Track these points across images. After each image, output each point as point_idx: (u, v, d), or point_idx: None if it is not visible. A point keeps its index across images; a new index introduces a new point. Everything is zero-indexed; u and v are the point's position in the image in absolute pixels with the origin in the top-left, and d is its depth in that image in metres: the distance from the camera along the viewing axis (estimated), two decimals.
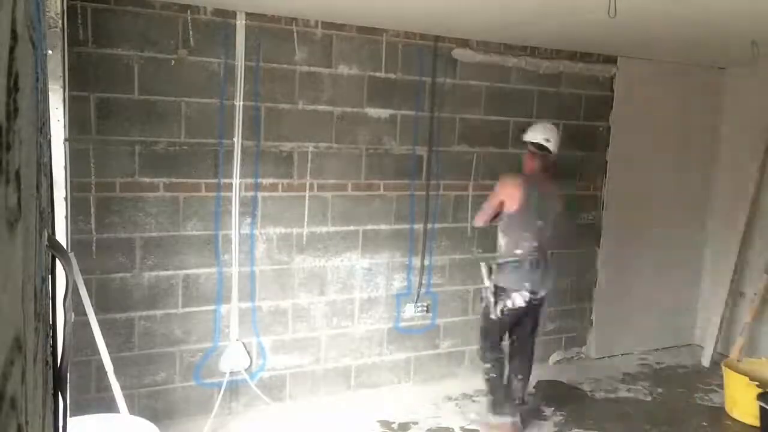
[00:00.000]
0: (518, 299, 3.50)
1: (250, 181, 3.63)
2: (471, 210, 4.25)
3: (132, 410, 3.15)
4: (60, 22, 2.64)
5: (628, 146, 4.75)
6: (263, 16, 3.53)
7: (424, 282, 4.20)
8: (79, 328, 2.97)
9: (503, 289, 3.51)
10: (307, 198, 3.78)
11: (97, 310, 3.02)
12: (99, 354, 2.95)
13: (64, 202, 2.77)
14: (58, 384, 0.88)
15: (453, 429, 3.70)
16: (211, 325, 3.63)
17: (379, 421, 3.75)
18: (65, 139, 2.82)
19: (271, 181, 3.69)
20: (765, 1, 2.76)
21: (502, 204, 3.55)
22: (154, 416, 3.24)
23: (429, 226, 4.17)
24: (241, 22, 3.48)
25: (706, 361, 4.85)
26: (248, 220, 3.66)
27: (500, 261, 3.57)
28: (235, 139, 3.55)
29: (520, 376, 3.69)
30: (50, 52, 2.54)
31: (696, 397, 4.30)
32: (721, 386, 4.25)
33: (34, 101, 0.69)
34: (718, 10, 2.99)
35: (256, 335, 3.76)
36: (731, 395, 4.04)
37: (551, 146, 3.58)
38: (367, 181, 3.95)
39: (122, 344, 3.42)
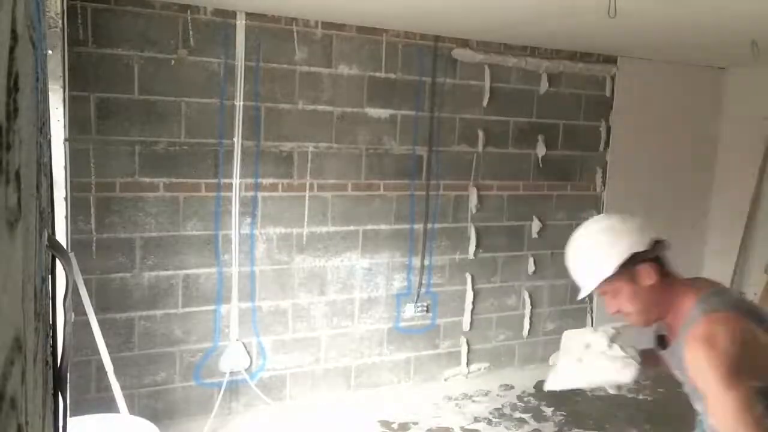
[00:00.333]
0: None
1: (250, 181, 3.63)
2: (471, 210, 4.26)
3: (132, 410, 3.15)
4: (60, 22, 2.64)
5: (628, 146, 4.75)
6: (263, 16, 3.53)
7: (424, 282, 4.20)
8: (79, 328, 2.97)
9: None
10: (307, 198, 3.78)
11: (97, 310, 3.02)
12: (99, 354, 2.94)
13: (64, 202, 2.77)
14: (58, 384, 0.88)
15: (453, 429, 3.70)
16: (211, 325, 3.63)
17: (379, 421, 3.75)
18: (65, 139, 2.82)
19: (271, 181, 3.69)
20: (765, 1, 2.76)
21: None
22: (154, 416, 3.24)
23: (429, 226, 4.17)
24: (241, 22, 3.48)
25: None
26: (248, 220, 3.66)
27: None
28: (235, 139, 3.55)
29: None
30: (50, 52, 2.54)
31: None
32: None
33: (34, 101, 0.69)
34: (718, 10, 2.99)
35: (256, 335, 3.76)
36: None
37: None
38: (367, 181, 3.95)
39: (122, 344, 3.42)
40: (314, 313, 3.90)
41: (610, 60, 4.62)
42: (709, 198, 5.20)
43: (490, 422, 3.81)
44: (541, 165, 4.47)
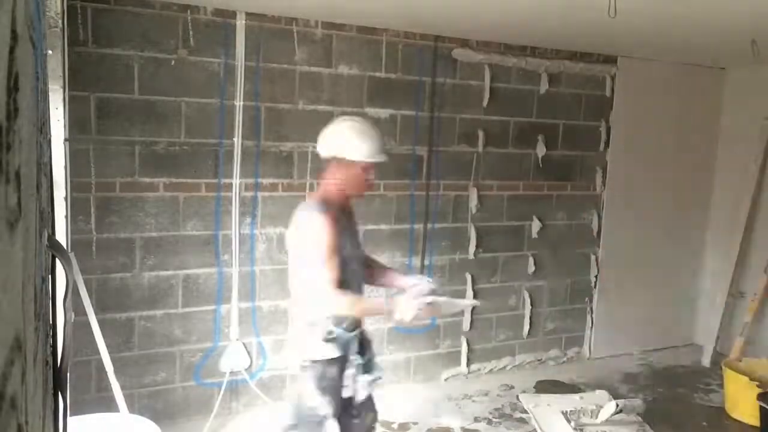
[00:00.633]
0: None
1: (250, 181, 3.63)
2: (471, 210, 4.26)
3: (132, 410, 3.14)
4: (60, 22, 2.64)
5: (628, 146, 4.75)
6: (263, 16, 3.53)
7: None
8: (79, 328, 2.96)
9: None
10: (307, 198, 3.78)
11: (97, 310, 3.01)
12: (99, 354, 2.94)
13: (64, 202, 2.77)
14: (58, 384, 0.88)
15: (453, 429, 3.70)
16: (211, 325, 3.63)
17: (379, 421, 3.74)
18: (65, 139, 2.82)
19: (271, 181, 3.69)
20: (765, 1, 2.76)
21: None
22: (154, 416, 3.23)
23: (429, 226, 4.17)
24: (241, 22, 3.48)
25: (706, 361, 4.85)
26: (248, 220, 3.66)
27: None
28: (235, 139, 3.55)
29: None
30: (50, 52, 2.54)
31: (696, 397, 4.30)
32: (721, 386, 4.25)
33: (34, 101, 0.69)
34: (718, 10, 2.99)
35: (256, 335, 3.76)
36: (731, 395, 4.04)
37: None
38: None
39: (122, 344, 3.42)
40: None
41: (610, 60, 4.62)
42: (709, 198, 5.20)
43: (490, 422, 3.81)
44: (541, 165, 4.46)
